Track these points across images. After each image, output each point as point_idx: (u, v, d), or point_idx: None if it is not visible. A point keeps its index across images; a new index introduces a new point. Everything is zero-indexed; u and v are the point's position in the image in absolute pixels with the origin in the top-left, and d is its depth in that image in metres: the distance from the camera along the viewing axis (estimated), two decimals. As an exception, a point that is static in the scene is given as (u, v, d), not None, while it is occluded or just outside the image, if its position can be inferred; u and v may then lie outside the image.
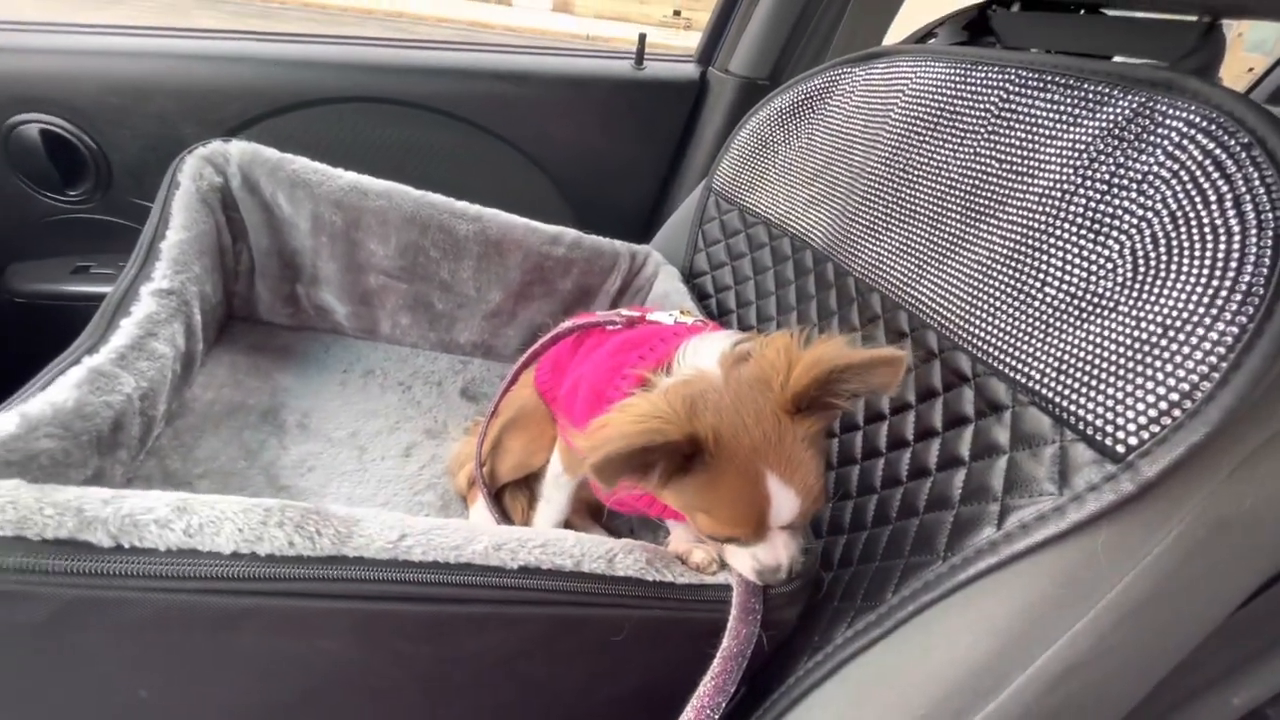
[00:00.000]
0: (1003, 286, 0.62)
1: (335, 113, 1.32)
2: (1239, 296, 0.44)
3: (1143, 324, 0.49)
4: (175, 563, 0.45)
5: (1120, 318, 0.51)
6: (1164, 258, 0.50)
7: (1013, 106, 0.68)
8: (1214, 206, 0.48)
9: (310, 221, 0.99)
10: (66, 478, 0.61)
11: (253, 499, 0.50)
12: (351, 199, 0.98)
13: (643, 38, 1.48)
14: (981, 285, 0.64)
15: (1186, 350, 0.45)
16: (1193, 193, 0.50)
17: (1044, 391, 0.54)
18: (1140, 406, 0.46)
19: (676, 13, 12.61)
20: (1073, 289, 0.56)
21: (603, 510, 0.90)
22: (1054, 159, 0.62)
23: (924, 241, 0.73)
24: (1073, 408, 0.51)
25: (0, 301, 1.21)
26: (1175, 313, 0.47)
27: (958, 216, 0.70)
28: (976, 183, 0.69)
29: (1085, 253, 0.56)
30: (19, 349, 1.23)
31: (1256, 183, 0.47)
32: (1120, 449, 0.47)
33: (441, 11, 12.13)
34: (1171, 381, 0.45)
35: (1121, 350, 0.50)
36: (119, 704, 0.51)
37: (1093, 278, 0.55)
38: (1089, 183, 0.58)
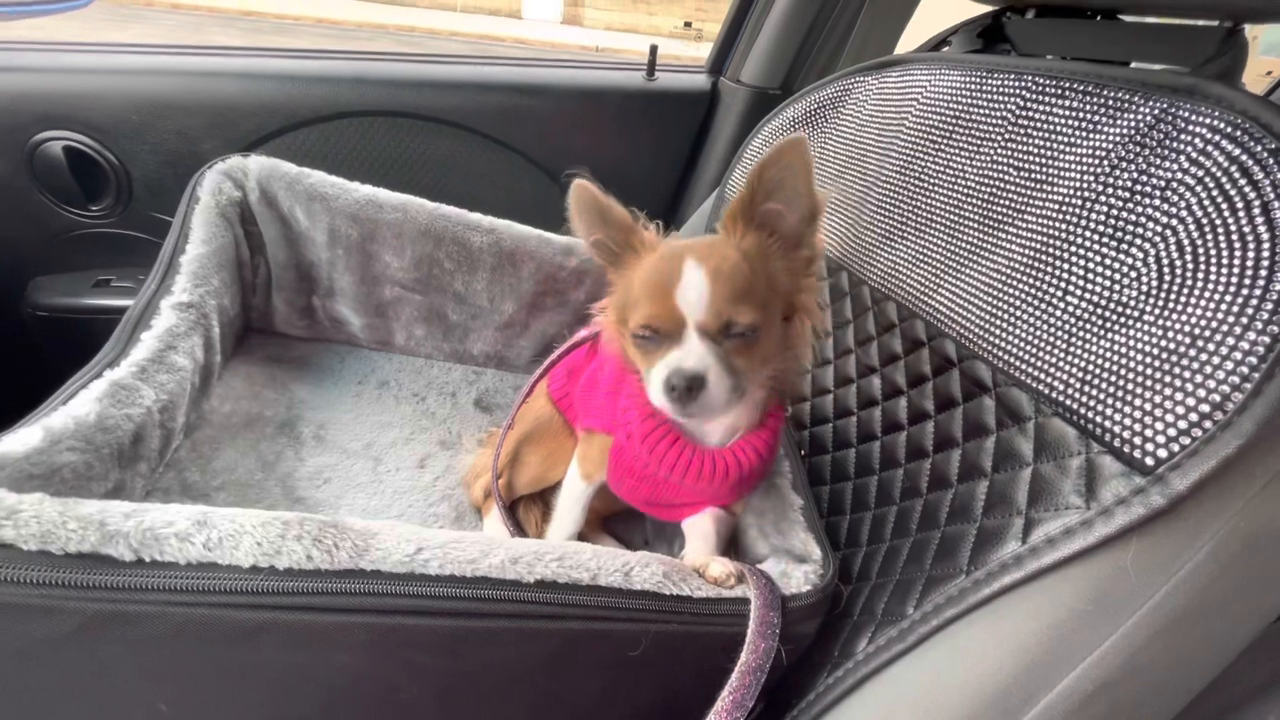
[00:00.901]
0: (1023, 295, 0.61)
1: (351, 127, 1.33)
2: (1270, 305, 0.43)
3: (1170, 333, 0.48)
4: (195, 576, 0.46)
5: (1146, 327, 0.50)
6: (1190, 266, 0.49)
7: (1030, 113, 0.68)
8: (1241, 213, 0.47)
9: (327, 234, 1.00)
10: (88, 490, 0.61)
11: (271, 512, 0.50)
12: (367, 212, 0.99)
13: (654, 49, 1.49)
14: (1001, 294, 0.64)
15: (1216, 361, 0.45)
16: (1219, 199, 0.49)
17: (1068, 402, 0.53)
18: (1169, 418, 0.45)
19: (688, 24, 12.71)
20: (1096, 298, 0.55)
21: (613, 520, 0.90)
22: (1074, 166, 0.61)
23: (941, 250, 0.73)
24: (1098, 419, 0.50)
25: (24, 315, 1.23)
26: (1204, 322, 0.47)
27: (975, 225, 0.69)
28: (994, 191, 0.68)
29: (1108, 261, 0.55)
30: (42, 362, 1.25)
31: (1285, 189, 0.46)
32: (1149, 461, 0.46)
33: (453, 26, 12.30)
34: (1201, 393, 0.44)
35: (1148, 360, 0.49)
36: (138, 718, 0.51)
37: (1116, 286, 0.54)
38: (1110, 190, 0.57)
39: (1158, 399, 0.47)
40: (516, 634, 0.52)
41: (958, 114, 0.76)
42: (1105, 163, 0.58)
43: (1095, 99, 0.62)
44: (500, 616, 0.51)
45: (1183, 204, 0.51)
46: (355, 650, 0.49)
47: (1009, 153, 0.68)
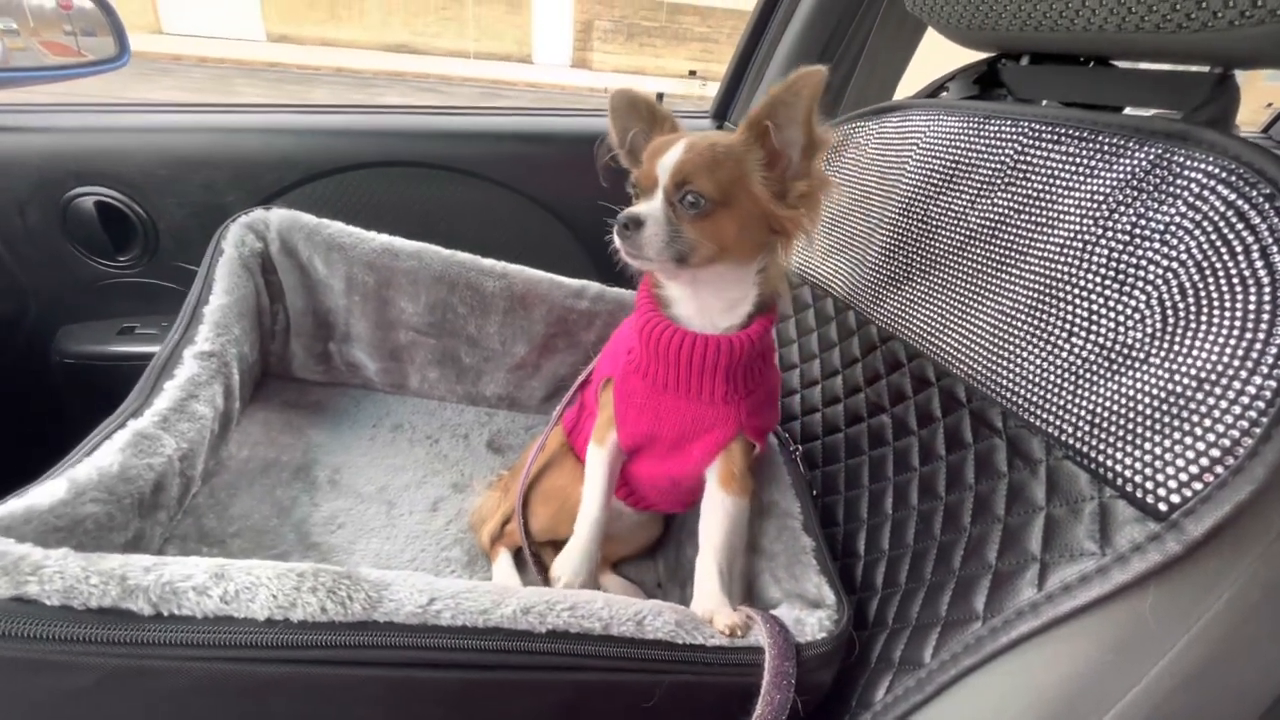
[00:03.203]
0: (1028, 336, 0.62)
1: (367, 177, 1.38)
2: (1274, 349, 0.44)
3: (1176, 376, 0.48)
4: (211, 631, 0.46)
5: (1153, 370, 0.50)
6: (1193, 309, 0.50)
7: (1028, 159, 0.69)
8: (1240, 257, 0.48)
9: (344, 282, 1.03)
10: (109, 540, 0.62)
11: (287, 564, 0.51)
12: (384, 260, 1.02)
13: (660, 96, 1.53)
14: (1006, 335, 0.64)
15: (1224, 405, 0.45)
16: (1217, 243, 0.50)
17: (1078, 445, 0.53)
18: (1180, 463, 0.45)
19: (692, 73, 13.12)
20: (1101, 340, 0.55)
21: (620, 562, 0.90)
22: (1073, 210, 0.62)
23: (946, 290, 0.74)
24: (1110, 463, 0.50)
25: (51, 363, 1.27)
26: (1209, 365, 0.47)
27: (978, 266, 0.70)
28: (996, 233, 0.70)
29: (1111, 303, 0.56)
30: (67, 409, 1.28)
31: (1283, 233, 0.46)
32: (1163, 507, 0.45)
33: (466, 72, 12.73)
34: (1211, 437, 0.44)
35: (1156, 404, 0.49)
36: (153, 773, 0.51)
37: (1121, 329, 0.54)
38: (1110, 233, 0.58)
39: (1168, 443, 0.47)
40: (529, 686, 0.51)
41: (957, 158, 0.78)
42: (1104, 206, 0.59)
43: (1090, 144, 0.63)
44: (513, 668, 0.51)
45: (1182, 247, 0.52)
46: (369, 704, 0.49)
47: (1009, 196, 0.70)
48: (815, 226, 0.66)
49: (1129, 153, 0.60)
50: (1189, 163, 0.54)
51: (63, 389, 1.27)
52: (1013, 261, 0.67)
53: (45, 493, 0.56)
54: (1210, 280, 0.49)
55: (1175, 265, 0.52)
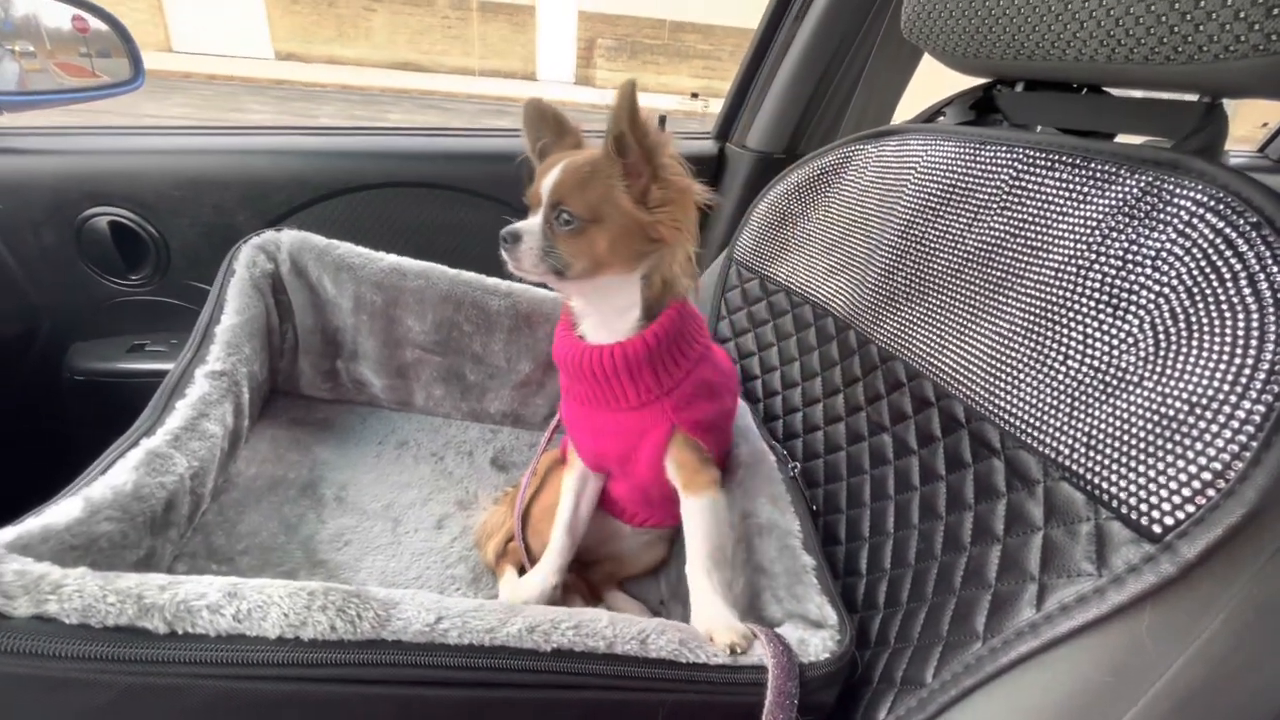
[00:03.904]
0: (1024, 358, 0.63)
1: (375, 197, 1.41)
2: (1263, 374, 0.45)
3: (1169, 400, 0.49)
4: (224, 649, 0.47)
5: (1146, 393, 0.51)
6: (1184, 333, 0.51)
7: (1023, 184, 0.71)
8: (1229, 283, 0.49)
9: (352, 301, 1.05)
10: (121, 559, 0.63)
11: (298, 582, 0.52)
12: (391, 279, 1.04)
13: (663, 119, 1.56)
14: (1003, 356, 0.65)
15: (1215, 429, 0.46)
16: (1206, 269, 0.51)
17: (1074, 467, 0.54)
18: (1173, 485, 0.46)
19: (694, 95, 13.29)
20: (1096, 363, 0.56)
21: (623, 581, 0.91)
22: (1067, 235, 0.64)
23: (944, 311, 0.75)
24: (1105, 485, 0.51)
25: (62, 379, 1.28)
26: (1200, 389, 0.48)
27: (975, 288, 0.72)
28: (992, 256, 0.71)
29: (1105, 327, 0.57)
30: (77, 424, 1.30)
31: (1269, 261, 0.48)
32: (1157, 529, 0.46)
33: (471, 89, 12.89)
34: (1203, 460, 0.45)
35: (1149, 427, 0.50)
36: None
37: (1115, 352, 0.55)
38: (1103, 258, 0.59)
39: (1161, 465, 0.48)
40: (536, 704, 0.52)
41: (954, 182, 0.80)
42: (1097, 232, 0.61)
43: (1083, 171, 0.65)
44: (518, 687, 0.51)
45: (1173, 273, 0.53)
46: (377, 723, 0.50)
47: (1005, 220, 0.71)
48: (690, 231, 0.69)
49: (1120, 180, 0.61)
50: (1179, 191, 0.56)
51: (73, 405, 1.29)
52: (1009, 284, 0.68)
53: (62, 511, 0.58)
54: (1200, 305, 0.51)
55: (1166, 290, 0.53)
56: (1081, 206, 0.63)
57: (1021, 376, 0.63)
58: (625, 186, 0.66)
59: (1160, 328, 0.53)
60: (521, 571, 0.88)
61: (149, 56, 1.37)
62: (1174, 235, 0.54)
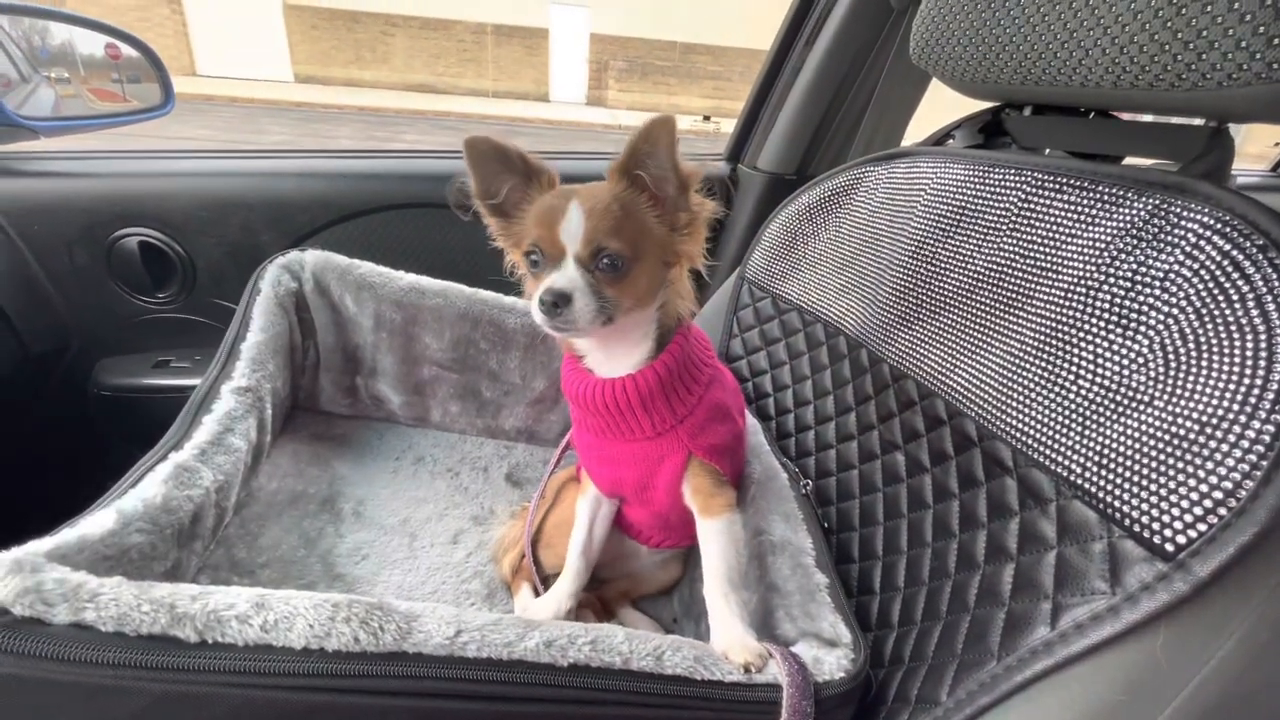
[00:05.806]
0: (1036, 378, 0.64)
1: (395, 218, 1.44)
2: (1271, 394, 0.45)
3: (1179, 419, 0.50)
4: (251, 659, 0.48)
5: (1156, 412, 0.52)
6: (1193, 353, 0.52)
7: (1032, 206, 0.72)
8: (1237, 305, 0.50)
9: (373, 319, 1.07)
10: (150, 570, 0.65)
11: (323, 594, 0.53)
12: (411, 298, 1.07)
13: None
14: (1015, 376, 0.66)
15: (1225, 448, 0.46)
16: (1215, 291, 0.52)
17: (1087, 485, 0.55)
18: (1185, 504, 0.47)
19: (706, 118, 13.47)
20: (1106, 382, 0.57)
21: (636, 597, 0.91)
22: (1076, 256, 0.65)
23: (955, 331, 0.76)
24: (1117, 503, 0.52)
25: (89, 394, 1.32)
26: (1210, 409, 0.48)
27: (986, 309, 0.73)
28: (1002, 277, 0.72)
29: (1115, 347, 0.58)
30: (103, 438, 1.33)
31: (1276, 283, 0.49)
32: (1169, 547, 0.47)
33: (485, 110, 13.13)
34: (1214, 479, 0.46)
35: (1160, 446, 0.50)
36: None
37: (1125, 372, 0.56)
38: (1112, 279, 0.60)
39: (1172, 484, 0.48)
40: (551, 718, 0.53)
41: (964, 205, 0.81)
42: (1106, 254, 0.62)
43: (1091, 194, 0.66)
44: (535, 701, 0.52)
45: (1181, 294, 0.54)
46: (398, 734, 0.51)
47: (1014, 241, 0.72)
48: (701, 250, 0.70)
49: (1128, 203, 0.62)
50: (1186, 214, 0.57)
51: (100, 419, 1.32)
52: (1019, 305, 0.69)
53: (96, 523, 0.60)
54: (1209, 326, 0.51)
55: (1175, 311, 0.54)
56: (1090, 228, 0.65)
57: (1033, 395, 0.63)
58: (656, 216, 0.67)
59: (1170, 348, 0.53)
60: (534, 590, 0.89)
61: (174, 80, 1.42)
62: (1182, 257, 0.55)
